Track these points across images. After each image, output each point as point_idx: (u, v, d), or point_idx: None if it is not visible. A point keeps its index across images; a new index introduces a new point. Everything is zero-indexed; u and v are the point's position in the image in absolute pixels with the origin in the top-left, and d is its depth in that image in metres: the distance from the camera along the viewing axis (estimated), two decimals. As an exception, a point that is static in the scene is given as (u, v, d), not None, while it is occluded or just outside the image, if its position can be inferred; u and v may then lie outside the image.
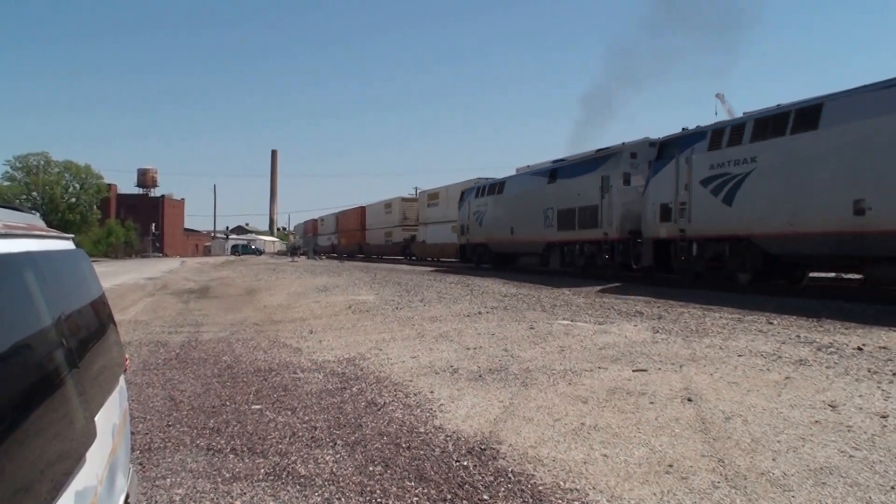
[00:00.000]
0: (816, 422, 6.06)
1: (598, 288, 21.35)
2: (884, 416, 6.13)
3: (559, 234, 29.21)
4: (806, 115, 17.24)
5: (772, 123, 18.31)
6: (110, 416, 2.84)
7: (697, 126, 22.02)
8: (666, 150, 22.74)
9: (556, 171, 30.34)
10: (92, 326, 3.06)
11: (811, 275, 20.47)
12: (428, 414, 7.09)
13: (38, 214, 3.26)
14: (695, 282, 21.13)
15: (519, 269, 33.74)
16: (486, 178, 40.72)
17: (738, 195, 19.13)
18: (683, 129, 22.80)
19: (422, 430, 6.51)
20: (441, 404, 7.46)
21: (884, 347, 9.53)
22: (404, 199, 62.58)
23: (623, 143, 26.43)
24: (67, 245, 3.14)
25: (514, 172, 37.35)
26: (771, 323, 12.32)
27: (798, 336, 10.69)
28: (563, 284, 22.98)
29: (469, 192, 40.84)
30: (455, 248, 43.85)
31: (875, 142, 15.24)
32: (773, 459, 5.19)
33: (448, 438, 6.19)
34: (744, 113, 20.46)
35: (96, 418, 2.47)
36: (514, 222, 33.85)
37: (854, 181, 15.66)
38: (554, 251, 30.29)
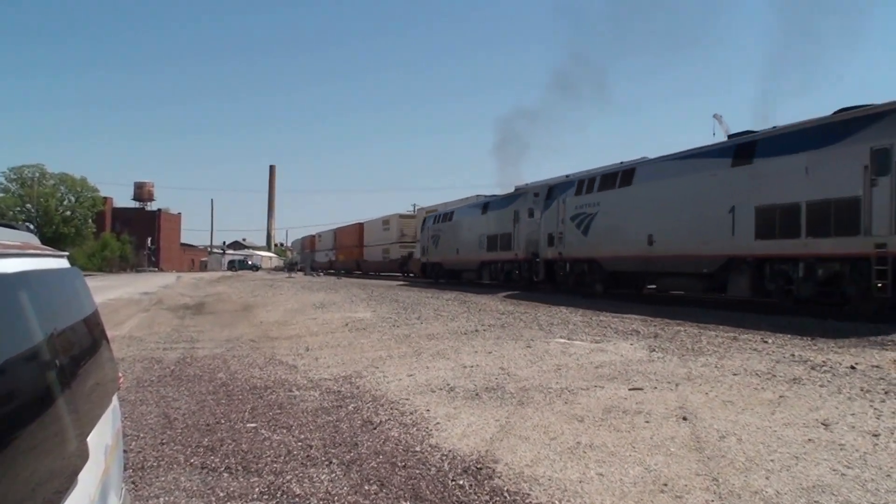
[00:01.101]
0: (809, 440, 6.07)
1: (507, 293, 29.18)
2: (875, 435, 6.15)
3: (488, 254, 36.75)
4: (626, 175, 25.00)
5: (609, 179, 26.13)
6: (103, 436, 2.84)
7: (567, 176, 30.41)
8: (553, 192, 30.14)
9: (487, 205, 38.24)
10: (85, 345, 3.06)
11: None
12: (424, 433, 7.07)
13: (33, 228, 3.28)
14: (570, 289, 28.28)
15: (463, 282, 41.15)
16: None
17: (591, 229, 26.78)
18: (566, 175, 30.59)
19: (418, 448, 6.50)
20: (437, 423, 7.45)
21: (876, 366, 9.56)
22: (402, 216, 62.66)
23: (526, 185, 34.89)
24: (62, 263, 3.14)
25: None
26: (766, 342, 12.35)
27: (792, 355, 10.71)
28: (494, 291, 30.17)
29: (428, 219, 48.97)
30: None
31: (659, 195, 22.88)
32: (767, 478, 5.19)
33: (444, 457, 6.18)
34: (630, 159, 27.05)
35: (89, 438, 2.47)
36: (459, 245, 41.30)
37: (648, 222, 23.10)
38: (485, 268, 37.93)
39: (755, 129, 20.50)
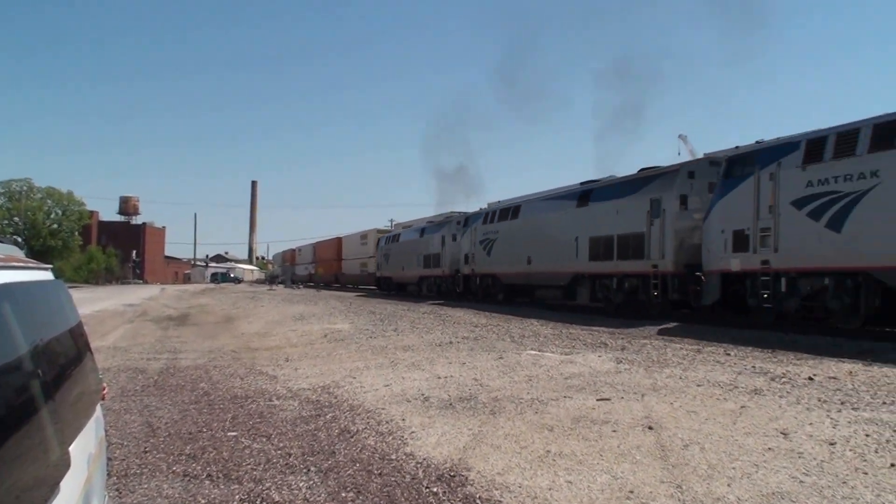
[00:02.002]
0: (769, 449, 6.11)
1: (435, 301, 27.44)
2: (832, 444, 6.19)
3: (424, 270, 40.77)
4: (515, 210, 30.25)
5: (504, 212, 31.12)
6: (86, 445, 2.80)
7: (480, 208, 36.77)
8: (469, 220, 35.73)
9: (424, 230, 42.34)
10: (68, 357, 3.02)
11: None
12: (399, 441, 7.05)
13: (21, 241, 3.24)
14: (480, 298, 33.17)
15: (408, 293, 44.77)
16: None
17: (492, 251, 31.76)
18: (479, 208, 36.81)
19: (393, 456, 6.47)
20: (412, 432, 7.42)
21: (833, 378, 9.65)
22: (380, 231, 62.58)
23: (451, 213, 42.34)
24: (46, 276, 3.11)
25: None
26: (728, 354, 12.43)
27: (753, 367, 10.79)
28: (428, 300, 28.94)
29: (381, 239, 52.86)
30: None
31: (534, 226, 28.18)
32: (729, 485, 5.22)
33: (419, 465, 6.15)
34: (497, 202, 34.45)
35: (71, 448, 2.44)
36: (404, 262, 45.25)
37: (527, 247, 28.34)
38: (423, 281, 41.78)
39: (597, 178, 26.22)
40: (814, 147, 15.72)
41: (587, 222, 24.26)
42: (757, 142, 17.99)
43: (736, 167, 17.93)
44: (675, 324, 18.52)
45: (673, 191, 20.07)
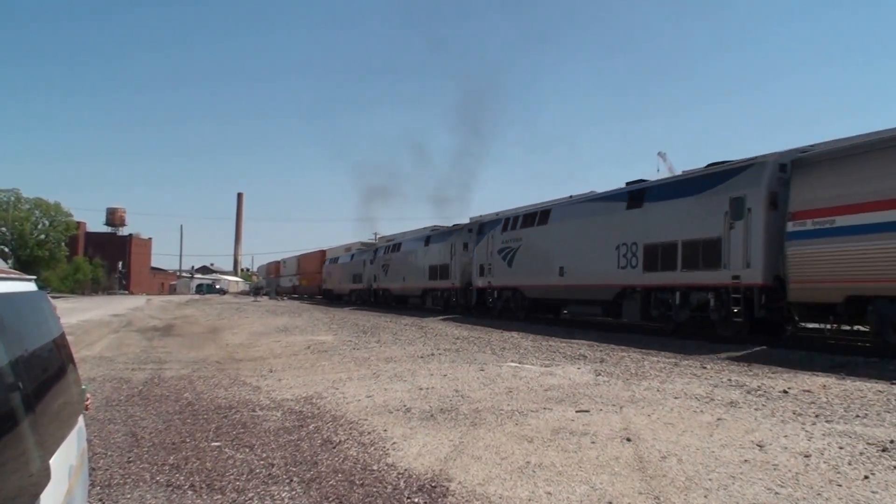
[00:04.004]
0: (745, 461, 6.10)
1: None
2: (807, 456, 6.20)
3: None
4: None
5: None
6: (67, 457, 2.75)
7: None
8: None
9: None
10: (50, 368, 2.96)
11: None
12: (381, 452, 6.99)
13: (8, 251, 3.19)
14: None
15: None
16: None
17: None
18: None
19: (375, 467, 6.41)
20: (394, 442, 7.37)
21: (807, 391, 9.69)
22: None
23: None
24: (29, 286, 3.05)
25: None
26: (705, 367, 12.47)
27: (730, 380, 10.82)
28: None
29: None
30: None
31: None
32: (706, 496, 5.20)
33: (400, 476, 6.10)
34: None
35: (51, 460, 2.39)
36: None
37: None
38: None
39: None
40: (504, 223, 29.96)
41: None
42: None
43: (483, 227, 32.29)
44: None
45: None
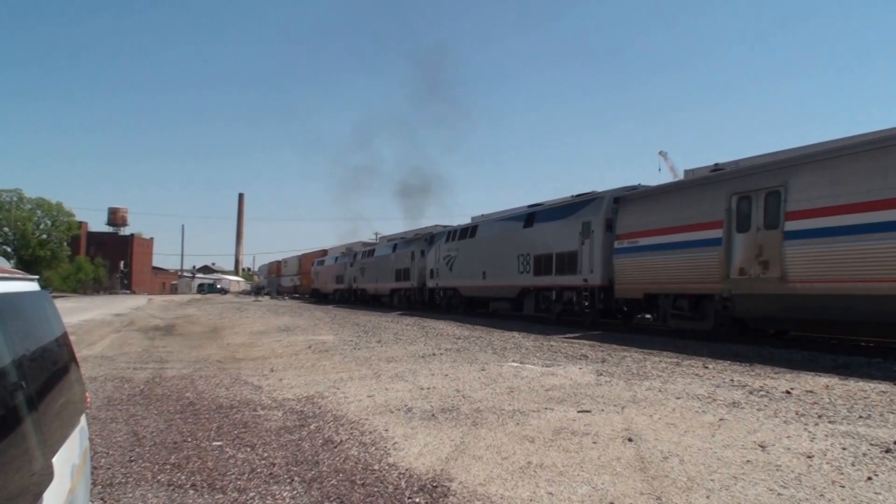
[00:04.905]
0: (748, 461, 6.09)
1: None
2: (809, 457, 6.19)
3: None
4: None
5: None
6: (69, 456, 2.75)
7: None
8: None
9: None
10: (53, 368, 2.96)
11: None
12: (382, 451, 6.99)
13: (10, 251, 3.19)
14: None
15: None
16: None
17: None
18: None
19: (376, 467, 6.41)
20: (395, 442, 7.37)
21: (810, 391, 9.66)
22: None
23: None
24: (31, 286, 3.05)
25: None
26: (706, 367, 12.44)
27: (731, 380, 10.80)
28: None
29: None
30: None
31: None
32: (707, 497, 5.20)
33: (401, 475, 6.10)
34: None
35: (54, 459, 2.39)
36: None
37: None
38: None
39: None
40: (447, 235, 35.87)
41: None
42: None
43: (433, 238, 38.07)
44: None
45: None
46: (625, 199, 22.01)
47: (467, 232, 33.97)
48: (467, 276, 33.16)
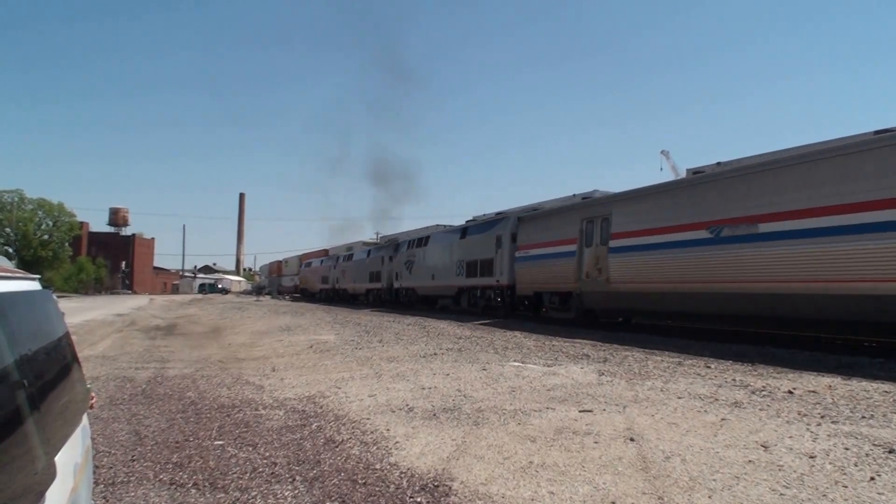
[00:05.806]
0: (750, 461, 6.09)
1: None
2: (812, 457, 6.18)
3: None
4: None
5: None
6: (72, 455, 2.75)
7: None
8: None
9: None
10: (55, 366, 2.96)
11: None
12: (384, 451, 6.99)
13: (12, 251, 3.20)
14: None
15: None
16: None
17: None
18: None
19: (378, 466, 6.42)
20: (397, 442, 7.37)
21: (813, 391, 9.65)
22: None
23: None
24: (33, 286, 3.05)
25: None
26: (708, 367, 12.43)
27: (734, 380, 10.79)
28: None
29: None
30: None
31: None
32: (710, 497, 5.19)
33: (403, 475, 6.10)
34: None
35: (57, 458, 2.39)
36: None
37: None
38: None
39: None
40: (408, 243, 41.81)
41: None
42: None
43: (399, 245, 43.89)
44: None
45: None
46: (523, 218, 28.68)
47: (422, 241, 40.23)
48: (421, 278, 39.42)
